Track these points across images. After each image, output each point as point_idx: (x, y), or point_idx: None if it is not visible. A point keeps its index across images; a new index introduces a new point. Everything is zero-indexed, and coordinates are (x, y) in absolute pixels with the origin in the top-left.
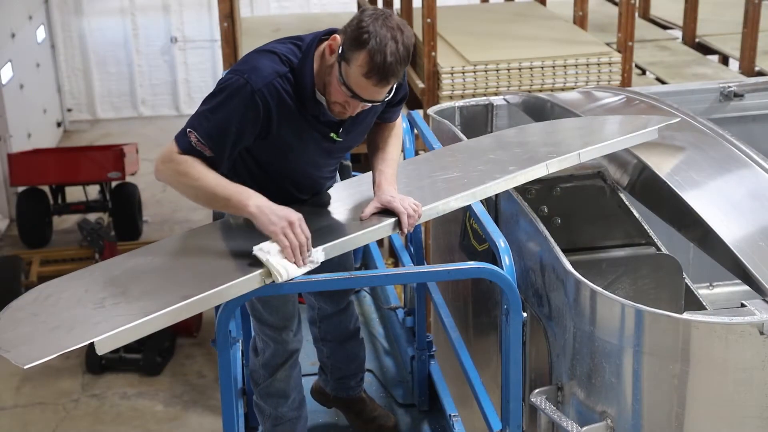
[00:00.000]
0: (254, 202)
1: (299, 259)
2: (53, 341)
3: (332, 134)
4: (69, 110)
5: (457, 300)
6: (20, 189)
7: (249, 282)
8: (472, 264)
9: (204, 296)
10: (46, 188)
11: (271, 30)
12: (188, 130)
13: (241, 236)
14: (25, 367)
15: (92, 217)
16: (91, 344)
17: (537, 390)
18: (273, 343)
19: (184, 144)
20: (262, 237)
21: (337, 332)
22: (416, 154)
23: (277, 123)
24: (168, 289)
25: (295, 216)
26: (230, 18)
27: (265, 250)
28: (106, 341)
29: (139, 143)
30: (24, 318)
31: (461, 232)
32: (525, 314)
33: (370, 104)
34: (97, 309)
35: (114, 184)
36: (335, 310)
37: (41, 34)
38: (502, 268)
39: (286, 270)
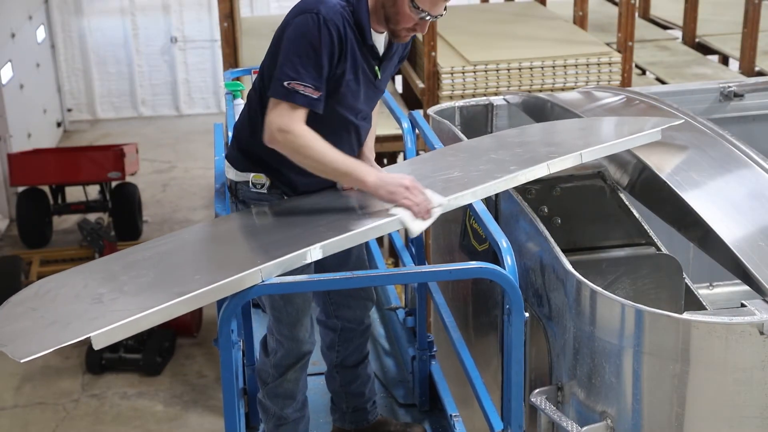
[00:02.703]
0: (372, 177)
1: (425, 215)
2: (50, 336)
3: (376, 67)
4: (69, 110)
5: (456, 300)
6: (20, 189)
7: (247, 279)
8: (474, 264)
9: (200, 293)
10: (46, 188)
11: (271, 30)
12: (286, 83)
13: (242, 233)
14: (22, 361)
15: (92, 217)
16: (91, 343)
17: (537, 390)
18: (287, 342)
19: (294, 98)
20: (258, 236)
21: (355, 356)
22: (417, 154)
23: (346, 52)
24: (166, 284)
25: (408, 180)
26: (230, 18)
27: (397, 213)
28: (102, 336)
29: (139, 143)
30: (23, 313)
31: (461, 232)
32: (527, 314)
33: (437, 18)
34: (94, 304)
35: (114, 184)
36: (359, 328)
37: (41, 34)
38: (505, 268)
39: (419, 225)
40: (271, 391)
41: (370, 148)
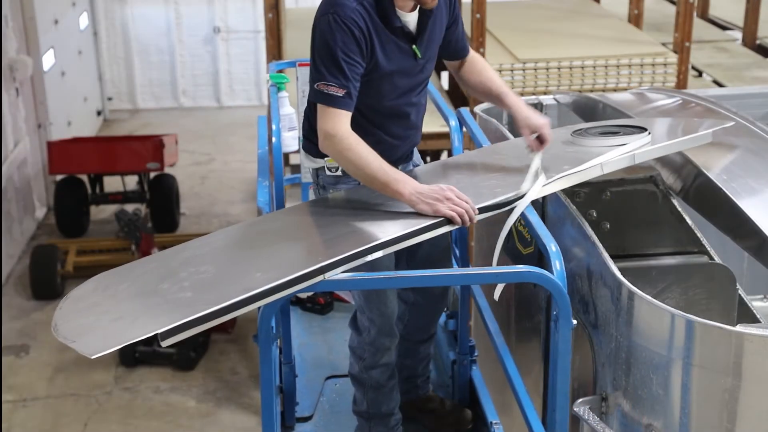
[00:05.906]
0: (409, 190)
1: (472, 219)
2: (119, 331)
3: (414, 47)
4: (109, 99)
5: (498, 304)
6: (59, 177)
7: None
8: (522, 267)
9: (264, 289)
10: (84, 177)
11: None
12: (315, 86)
13: (295, 228)
14: (93, 357)
15: (130, 207)
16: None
17: (580, 399)
18: (379, 319)
19: (324, 99)
20: (314, 231)
21: (419, 334)
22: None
23: (375, 42)
24: (229, 280)
25: (447, 189)
26: (275, 9)
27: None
28: (170, 332)
29: (178, 134)
30: (85, 308)
31: (506, 235)
32: (575, 321)
33: None
34: (158, 300)
35: (152, 174)
36: (431, 305)
37: (84, 21)
38: (553, 273)
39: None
40: (369, 365)
41: (499, 84)
